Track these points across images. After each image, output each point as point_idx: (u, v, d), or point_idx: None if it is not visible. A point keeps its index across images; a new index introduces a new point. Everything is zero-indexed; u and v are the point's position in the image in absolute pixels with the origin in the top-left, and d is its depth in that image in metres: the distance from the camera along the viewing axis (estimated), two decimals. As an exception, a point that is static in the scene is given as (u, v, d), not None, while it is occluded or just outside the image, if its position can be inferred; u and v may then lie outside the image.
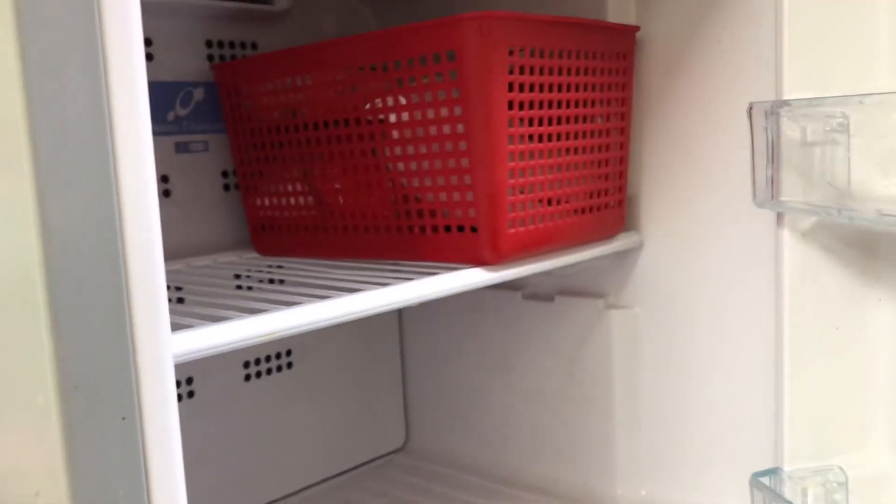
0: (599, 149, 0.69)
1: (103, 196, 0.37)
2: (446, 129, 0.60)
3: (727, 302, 0.73)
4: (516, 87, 0.59)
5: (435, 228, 0.63)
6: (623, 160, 0.73)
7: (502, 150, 0.59)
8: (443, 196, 0.62)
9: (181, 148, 0.77)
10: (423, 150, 0.62)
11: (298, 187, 0.72)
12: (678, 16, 0.73)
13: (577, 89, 0.65)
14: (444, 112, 0.59)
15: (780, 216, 0.64)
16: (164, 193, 0.76)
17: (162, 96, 0.75)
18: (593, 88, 0.67)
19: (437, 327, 0.96)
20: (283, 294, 0.57)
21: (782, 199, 0.62)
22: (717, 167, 0.72)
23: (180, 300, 0.61)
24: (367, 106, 0.64)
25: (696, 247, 0.75)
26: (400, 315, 0.99)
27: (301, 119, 0.69)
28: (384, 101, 0.63)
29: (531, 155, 0.61)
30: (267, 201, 0.75)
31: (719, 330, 0.74)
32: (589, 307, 0.82)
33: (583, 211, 0.68)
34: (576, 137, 0.66)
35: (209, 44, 0.79)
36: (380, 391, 0.97)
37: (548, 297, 0.87)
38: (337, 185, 0.68)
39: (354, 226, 0.69)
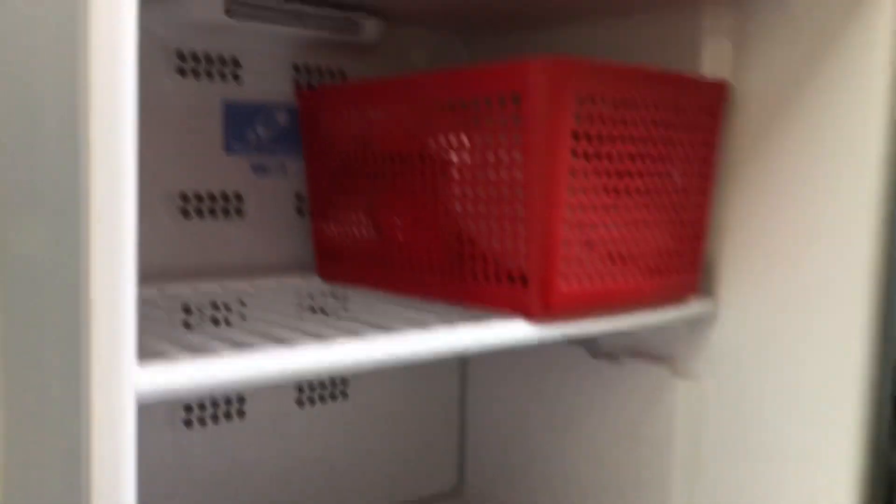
0: (674, 208, 0.65)
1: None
2: (505, 174, 0.58)
3: (807, 388, 0.67)
4: (582, 136, 0.56)
5: (487, 275, 0.61)
6: (702, 221, 0.68)
7: (560, 201, 0.56)
8: (496, 242, 0.59)
9: (258, 169, 0.78)
10: (481, 193, 0.60)
11: (363, 218, 0.72)
12: (780, 72, 0.68)
13: (652, 143, 0.61)
14: (504, 157, 0.57)
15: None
16: (237, 212, 0.77)
17: (245, 117, 0.77)
18: (672, 143, 0.63)
19: (501, 372, 0.94)
20: (317, 323, 0.56)
21: None
22: (812, 237, 0.67)
23: (226, 321, 0.62)
24: (433, 144, 0.63)
25: (779, 322, 0.69)
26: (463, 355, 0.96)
27: (371, 151, 0.69)
28: (448, 141, 0.62)
29: (594, 209, 0.58)
30: (334, 228, 0.75)
31: (796, 418, 0.68)
32: (656, 374, 0.78)
33: (650, 271, 0.64)
34: (647, 194, 0.62)
35: (297, 68, 0.80)
36: (436, 431, 0.95)
37: (615, 357, 0.82)
38: (398, 220, 0.67)
39: (411, 263, 0.67)
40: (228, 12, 0.68)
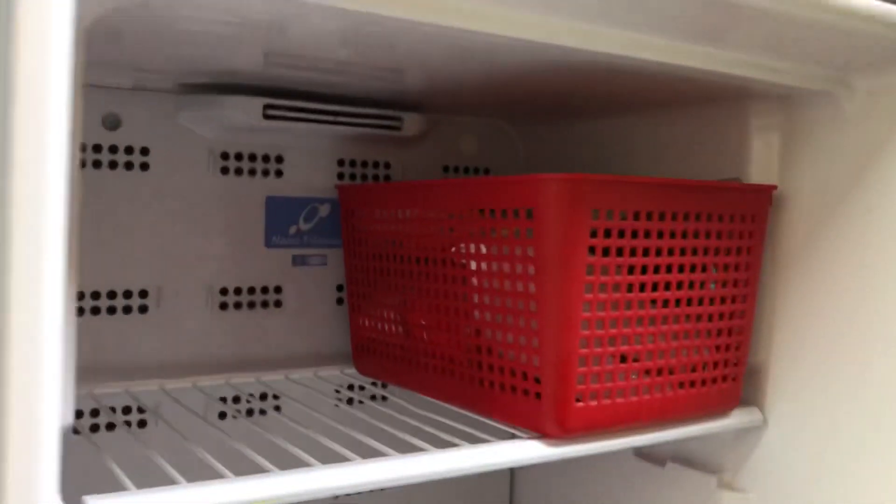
0: (710, 317, 0.62)
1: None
2: (519, 286, 0.56)
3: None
4: (599, 251, 0.55)
5: (503, 386, 0.59)
6: (743, 329, 0.65)
7: (575, 317, 0.54)
8: (511, 355, 0.58)
9: (298, 261, 0.79)
10: (497, 303, 0.59)
11: (394, 315, 0.71)
12: (827, 177, 0.65)
13: (681, 253, 0.59)
14: (518, 269, 0.56)
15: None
16: (276, 304, 0.78)
17: (287, 211, 0.78)
18: (706, 252, 0.60)
19: (546, 474, 0.91)
20: (339, 421, 0.56)
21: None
22: (863, 343, 0.62)
23: (261, 412, 0.62)
24: (454, 249, 0.62)
25: (831, 434, 0.64)
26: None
27: (401, 250, 0.69)
28: (467, 248, 0.61)
29: (613, 323, 0.56)
30: (367, 322, 0.75)
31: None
32: (700, 483, 0.73)
33: (686, 383, 0.61)
34: (677, 305, 0.59)
35: (341, 162, 0.82)
36: (480, 523, 0.92)
37: (660, 461, 0.78)
38: (423, 322, 0.67)
39: (434, 365, 0.66)
40: (266, 116, 0.70)
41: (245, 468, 0.49)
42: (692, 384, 0.62)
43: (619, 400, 0.57)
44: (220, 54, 0.62)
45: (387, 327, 0.73)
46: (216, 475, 0.49)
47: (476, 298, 0.61)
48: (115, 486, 0.47)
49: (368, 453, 0.53)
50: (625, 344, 0.57)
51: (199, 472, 0.50)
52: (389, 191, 0.70)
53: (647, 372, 0.59)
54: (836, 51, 0.58)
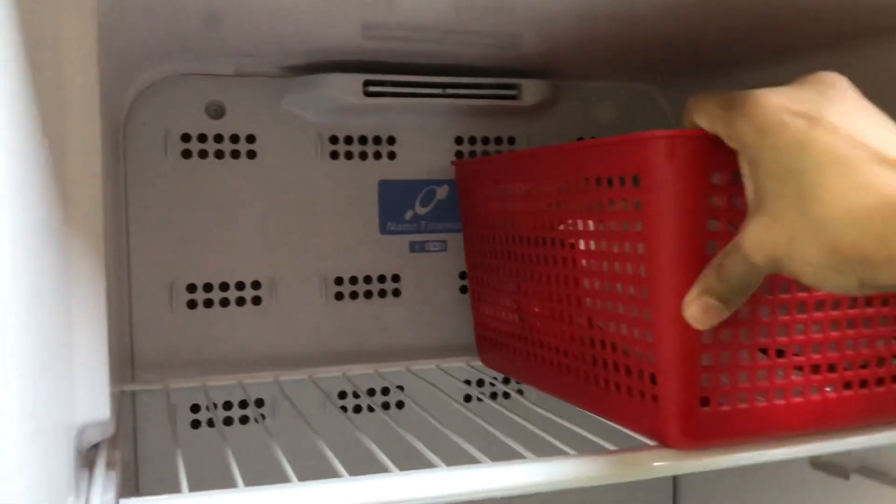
0: (884, 300, 0.49)
1: None
2: (629, 267, 0.48)
3: None
4: (724, 223, 0.45)
5: (618, 386, 0.51)
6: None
7: (696, 304, 0.45)
8: (625, 349, 0.49)
9: (416, 247, 0.75)
10: (607, 289, 0.50)
11: (510, 303, 0.65)
12: None
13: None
14: (627, 247, 0.48)
15: None
16: (394, 293, 0.74)
17: (402, 195, 0.74)
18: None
19: (714, 480, 0.80)
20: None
21: None
22: None
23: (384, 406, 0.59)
24: (561, 227, 0.55)
25: None
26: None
27: (514, 230, 0.62)
28: (575, 224, 0.53)
29: (749, 313, 0.46)
30: (488, 311, 0.69)
31: None
32: (891, 500, 0.60)
33: (860, 381, 0.49)
34: (836, 286, 0.48)
35: (458, 140, 0.76)
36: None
37: (842, 472, 0.66)
38: (536, 310, 0.60)
39: (548, 359, 0.59)
40: (368, 94, 0.66)
41: (368, 463, 0.46)
42: (874, 381, 0.49)
43: (761, 403, 0.47)
44: (318, 30, 0.59)
45: (505, 316, 0.66)
46: (333, 472, 0.46)
47: (586, 283, 0.52)
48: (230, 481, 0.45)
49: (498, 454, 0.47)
50: (765, 336, 0.46)
51: (317, 467, 0.46)
52: (498, 163, 0.64)
53: (800, 369, 0.48)
54: None
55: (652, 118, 0.82)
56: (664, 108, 0.82)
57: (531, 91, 0.71)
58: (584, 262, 0.53)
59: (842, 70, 0.42)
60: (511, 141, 0.77)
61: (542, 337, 0.60)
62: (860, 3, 0.54)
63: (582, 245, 0.52)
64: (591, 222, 0.51)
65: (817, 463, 0.68)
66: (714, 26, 0.58)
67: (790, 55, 0.67)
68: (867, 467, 0.64)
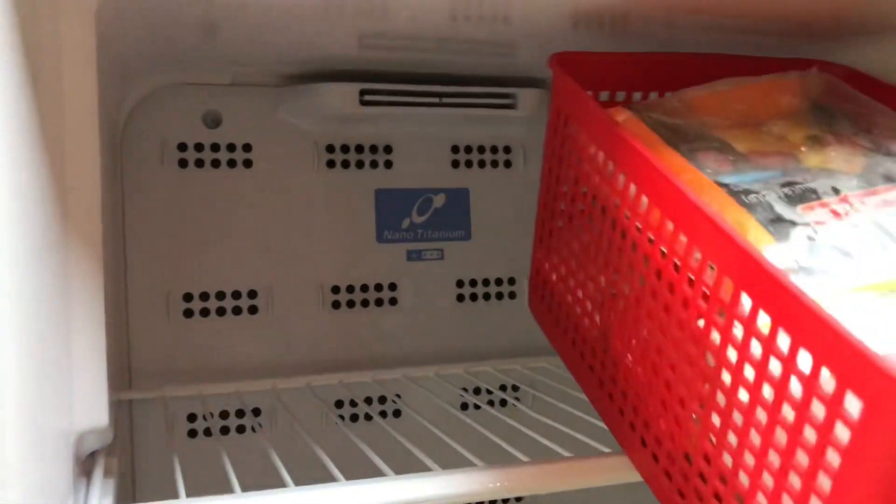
0: None
1: None
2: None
3: None
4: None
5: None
6: None
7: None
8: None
9: (413, 255, 0.75)
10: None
11: (590, 305, 0.50)
12: None
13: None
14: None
15: None
16: (391, 302, 0.74)
17: (399, 204, 0.74)
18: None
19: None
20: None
21: None
22: None
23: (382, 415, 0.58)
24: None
25: None
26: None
27: (629, 207, 0.44)
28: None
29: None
30: (548, 267, 0.56)
31: None
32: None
33: None
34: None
35: (455, 149, 0.76)
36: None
37: None
38: (631, 346, 0.45)
39: (617, 408, 0.47)
40: (364, 102, 0.66)
41: (366, 470, 0.46)
42: None
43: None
44: (315, 40, 0.59)
45: (573, 300, 0.52)
46: (331, 479, 0.45)
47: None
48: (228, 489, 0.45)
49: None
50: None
51: (316, 475, 0.46)
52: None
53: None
54: None
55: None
56: (659, 117, 0.83)
57: (527, 100, 0.72)
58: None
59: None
60: (507, 150, 0.78)
61: (625, 387, 0.46)
62: None
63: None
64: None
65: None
66: (710, 36, 0.59)
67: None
68: None
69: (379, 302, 0.74)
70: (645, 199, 0.42)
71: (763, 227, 0.41)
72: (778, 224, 0.41)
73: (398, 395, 0.73)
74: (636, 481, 0.46)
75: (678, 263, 0.40)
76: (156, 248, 0.68)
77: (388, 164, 0.74)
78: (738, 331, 0.36)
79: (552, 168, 0.54)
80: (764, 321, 0.35)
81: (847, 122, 0.50)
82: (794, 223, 0.41)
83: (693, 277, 0.39)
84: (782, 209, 0.42)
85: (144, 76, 0.67)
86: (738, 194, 0.43)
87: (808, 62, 0.55)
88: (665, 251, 0.41)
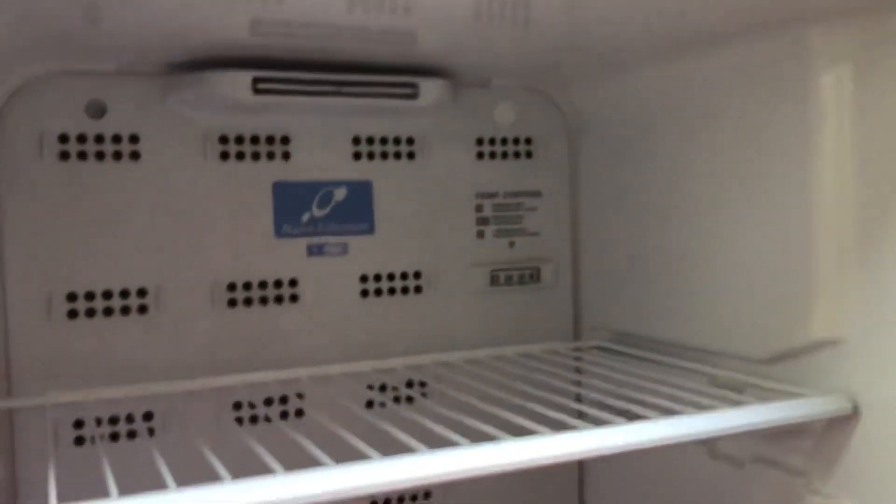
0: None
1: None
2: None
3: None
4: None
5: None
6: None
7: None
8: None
9: (314, 251, 0.73)
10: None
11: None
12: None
13: None
14: None
15: None
16: (292, 298, 0.72)
17: (298, 197, 0.72)
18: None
19: (617, 471, 0.81)
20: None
21: None
22: None
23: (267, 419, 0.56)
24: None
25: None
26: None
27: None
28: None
29: None
30: None
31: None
32: (784, 486, 0.62)
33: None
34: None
35: (356, 140, 0.74)
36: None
37: (738, 462, 0.67)
38: None
39: None
40: (257, 91, 0.64)
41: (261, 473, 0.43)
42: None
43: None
44: (204, 24, 0.57)
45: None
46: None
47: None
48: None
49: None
50: None
51: (209, 480, 0.43)
52: None
53: None
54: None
55: (548, 119, 0.82)
56: (563, 109, 0.83)
57: (429, 90, 0.71)
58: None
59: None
60: (410, 141, 0.76)
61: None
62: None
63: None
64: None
65: (715, 454, 0.69)
66: (610, 28, 0.59)
67: (675, 56, 0.68)
68: (761, 456, 0.65)
69: (279, 299, 0.71)
70: None
71: None
72: None
73: (300, 395, 0.71)
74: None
75: None
76: (36, 245, 0.63)
77: (286, 156, 0.72)
78: None
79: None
80: None
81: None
82: None
83: None
84: None
85: (20, 64, 0.63)
86: None
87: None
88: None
